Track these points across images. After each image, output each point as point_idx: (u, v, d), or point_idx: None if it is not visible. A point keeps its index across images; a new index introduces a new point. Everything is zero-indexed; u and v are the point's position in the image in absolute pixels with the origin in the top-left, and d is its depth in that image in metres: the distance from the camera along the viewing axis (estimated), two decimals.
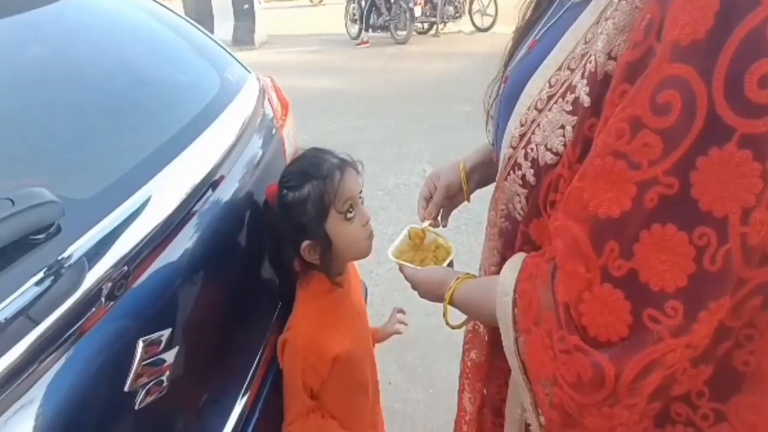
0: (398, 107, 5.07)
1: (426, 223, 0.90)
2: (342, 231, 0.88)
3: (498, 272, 0.65)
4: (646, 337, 0.42)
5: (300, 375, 0.89)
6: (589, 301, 0.45)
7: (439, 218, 0.93)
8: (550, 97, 0.54)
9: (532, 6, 0.66)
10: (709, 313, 0.41)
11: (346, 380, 0.96)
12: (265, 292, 0.99)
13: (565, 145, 0.51)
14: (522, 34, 0.67)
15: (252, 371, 0.88)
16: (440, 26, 8.72)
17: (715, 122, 0.39)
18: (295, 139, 1.31)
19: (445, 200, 0.90)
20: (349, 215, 0.88)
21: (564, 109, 0.51)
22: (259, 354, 0.91)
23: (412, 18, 8.26)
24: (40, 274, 0.53)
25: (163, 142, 0.79)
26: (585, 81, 0.49)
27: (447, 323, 0.72)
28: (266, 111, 1.16)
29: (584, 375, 0.44)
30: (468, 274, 0.70)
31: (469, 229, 2.78)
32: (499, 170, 0.64)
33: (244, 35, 8.62)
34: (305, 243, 0.87)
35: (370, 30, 8.66)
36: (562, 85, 0.52)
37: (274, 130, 1.18)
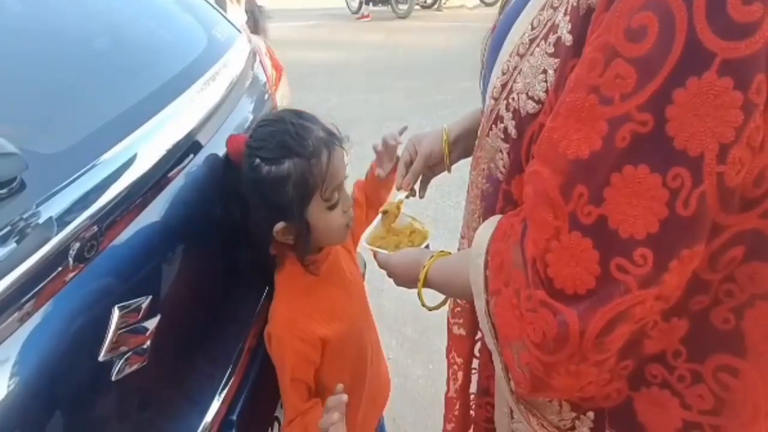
0: (399, 82, 4.98)
1: (402, 195, 0.86)
2: (323, 219, 0.78)
3: None
4: (613, 289, 0.40)
5: (289, 371, 0.81)
6: (557, 251, 0.42)
7: (416, 187, 0.88)
8: (532, 41, 0.49)
9: None
10: (680, 262, 0.39)
11: (341, 364, 0.89)
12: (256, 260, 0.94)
13: (547, 91, 0.47)
14: None
15: (243, 342, 0.84)
16: (443, 0, 8.51)
17: (694, 48, 0.35)
18: (290, 105, 1.25)
19: (425, 169, 0.86)
20: (334, 202, 0.78)
21: (546, 52, 0.47)
22: (251, 324, 0.87)
23: None
24: (1, 232, 0.48)
25: (142, 99, 0.74)
26: (567, 18, 0.45)
27: (423, 304, 0.69)
28: (257, 73, 1.10)
29: (549, 332, 0.42)
30: (442, 252, 0.67)
31: None
32: (481, 126, 0.59)
33: None
34: (280, 225, 0.76)
35: (371, 4, 8.48)
36: (545, 25, 0.48)
37: (266, 94, 1.12)
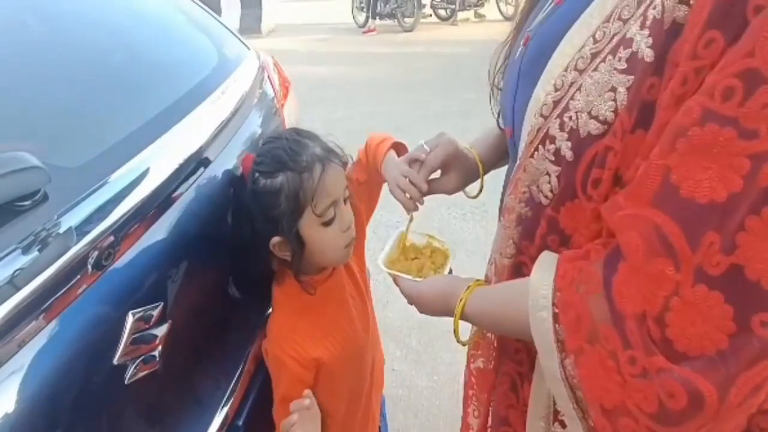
0: (405, 94, 5.03)
1: (411, 223, 0.82)
2: (317, 236, 0.77)
3: (511, 266, 0.59)
4: (752, 348, 0.35)
5: (281, 390, 0.83)
6: (678, 309, 0.37)
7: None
8: (595, 55, 0.45)
9: None
10: None
11: (338, 385, 0.89)
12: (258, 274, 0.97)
13: (615, 111, 0.43)
14: None
15: (249, 349, 0.86)
16: (459, 14, 8.52)
17: None
18: (297, 120, 1.28)
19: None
20: (328, 219, 0.77)
21: (615, 68, 0.43)
22: (257, 332, 0.89)
23: (420, 5, 8.18)
24: (25, 241, 0.51)
25: (156, 114, 0.77)
26: (647, 32, 0.41)
27: (458, 340, 0.64)
28: (266, 89, 1.14)
29: (673, 403, 0.37)
30: (478, 281, 0.63)
31: (475, 216, 2.75)
32: (523, 146, 0.55)
33: (251, 23, 8.58)
34: (275, 239, 0.78)
35: (377, 18, 8.58)
36: (612, 38, 0.44)
37: (274, 109, 1.15)
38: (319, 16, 10.33)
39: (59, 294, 0.51)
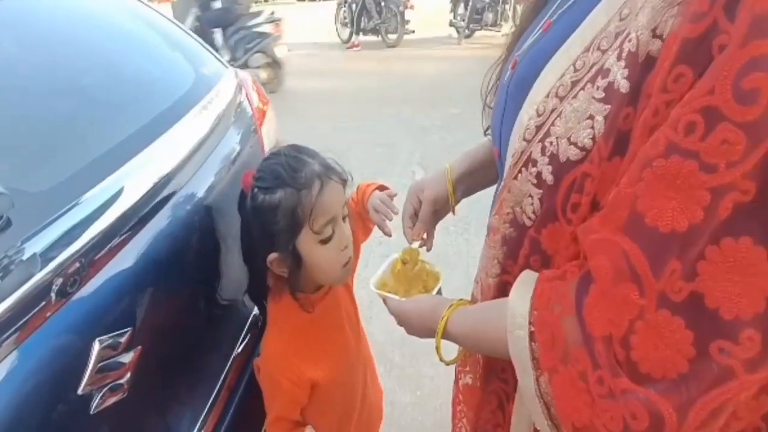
0: (388, 109, 5.06)
1: (416, 244, 0.83)
2: (315, 254, 0.77)
3: (496, 285, 0.60)
4: (711, 373, 0.36)
5: (276, 410, 0.82)
6: (642, 332, 0.38)
7: (424, 236, 0.84)
8: (575, 83, 0.47)
9: None
10: None
11: (329, 405, 0.89)
12: (239, 293, 0.96)
13: (593, 138, 0.45)
14: (529, 17, 0.60)
15: (223, 376, 0.84)
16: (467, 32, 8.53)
17: None
18: (275, 137, 1.28)
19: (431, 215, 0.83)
20: (326, 237, 0.76)
21: (594, 97, 0.45)
22: (231, 359, 0.87)
23: (403, 21, 8.28)
24: None
25: (129, 135, 0.76)
26: (623, 63, 0.42)
27: (440, 359, 0.65)
28: (244, 107, 1.14)
29: (636, 424, 0.38)
30: (461, 300, 0.64)
31: (458, 230, 2.76)
32: (507, 167, 0.56)
33: None
34: (272, 255, 0.77)
35: (361, 33, 8.66)
36: (591, 68, 0.46)
37: (252, 127, 1.15)
38: (304, 32, 10.40)
39: (20, 323, 0.50)
